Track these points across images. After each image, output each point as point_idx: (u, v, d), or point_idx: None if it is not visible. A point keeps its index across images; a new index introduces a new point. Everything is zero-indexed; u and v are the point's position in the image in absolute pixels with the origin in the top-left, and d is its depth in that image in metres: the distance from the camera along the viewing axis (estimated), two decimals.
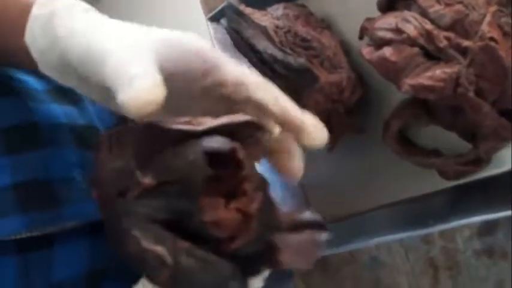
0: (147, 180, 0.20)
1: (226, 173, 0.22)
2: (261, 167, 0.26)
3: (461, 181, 0.39)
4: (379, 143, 0.41)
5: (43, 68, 0.26)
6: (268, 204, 0.22)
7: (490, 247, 0.48)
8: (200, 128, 0.22)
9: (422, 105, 0.38)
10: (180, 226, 0.21)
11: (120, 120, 0.39)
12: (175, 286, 0.20)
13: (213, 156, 0.21)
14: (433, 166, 0.39)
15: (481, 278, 0.43)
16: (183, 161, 0.21)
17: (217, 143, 0.21)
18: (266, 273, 0.24)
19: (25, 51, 0.26)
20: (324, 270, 0.49)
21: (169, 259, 0.19)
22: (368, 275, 0.46)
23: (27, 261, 0.28)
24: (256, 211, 0.21)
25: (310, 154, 0.47)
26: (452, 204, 0.39)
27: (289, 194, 0.42)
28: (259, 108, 0.25)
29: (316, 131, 0.26)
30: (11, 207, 0.28)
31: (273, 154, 0.26)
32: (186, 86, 0.26)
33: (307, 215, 0.24)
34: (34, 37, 0.26)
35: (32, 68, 0.28)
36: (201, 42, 0.25)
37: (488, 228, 0.49)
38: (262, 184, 0.23)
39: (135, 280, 0.35)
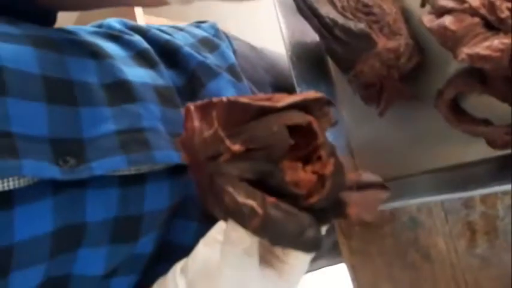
0: (237, 147, 0.24)
1: (303, 141, 0.25)
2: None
3: (509, 151, 0.40)
4: (430, 110, 0.42)
5: None
6: (338, 167, 0.26)
7: None
8: (279, 104, 0.25)
9: (478, 76, 0.39)
10: (264, 184, 0.25)
11: (190, 80, 0.44)
12: (264, 232, 0.24)
13: (292, 128, 0.25)
14: (482, 134, 0.40)
15: None
16: (268, 132, 0.24)
17: (296, 117, 0.25)
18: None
19: None
20: (365, 226, 0.52)
21: (260, 210, 0.23)
22: (407, 234, 0.49)
23: (126, 194, 0.33)
24: (330, 173, 0.25)
25: (359, 118, 0.48)
26: (496, 172, 0.41)
27: None
28: None
29: None
30: (116, 149, 0.32)
31: None
32: None
33: (371, 176, 0.28)
34: None
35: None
36: None
37: None
38: (333, 151, 0.26)
39: (200, 219, 0.40)
